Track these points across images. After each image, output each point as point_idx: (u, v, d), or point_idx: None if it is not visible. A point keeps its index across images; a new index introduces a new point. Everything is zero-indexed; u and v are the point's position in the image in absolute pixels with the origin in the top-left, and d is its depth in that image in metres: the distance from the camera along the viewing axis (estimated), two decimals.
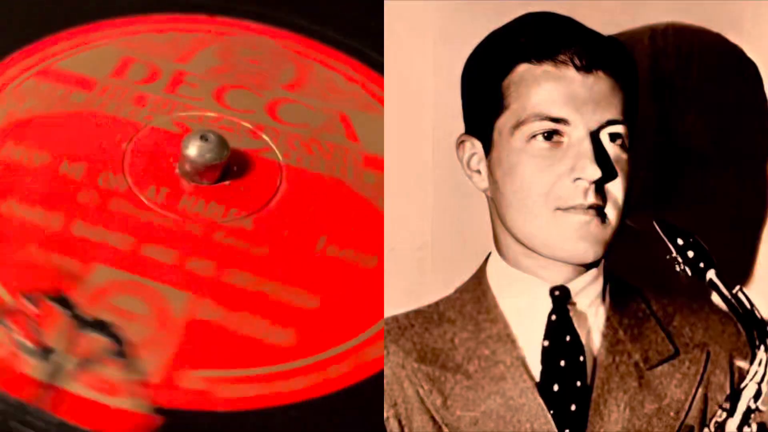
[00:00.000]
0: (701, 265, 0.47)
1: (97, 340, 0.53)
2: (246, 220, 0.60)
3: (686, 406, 0.48)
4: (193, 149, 0.60)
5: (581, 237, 0.47)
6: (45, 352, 0.52)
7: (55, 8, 0.71)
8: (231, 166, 0.62)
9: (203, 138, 0.61)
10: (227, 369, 0.53)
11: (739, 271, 0.57)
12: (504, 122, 0.48)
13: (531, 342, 0.49)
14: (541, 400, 0.48)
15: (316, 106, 0.68)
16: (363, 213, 0.62)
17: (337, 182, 0.63)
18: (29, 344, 0.52)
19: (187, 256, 0.57)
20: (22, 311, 0.53)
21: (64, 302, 0.54)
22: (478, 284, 0.50)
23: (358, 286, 0.58)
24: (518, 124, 0.48)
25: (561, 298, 0.49)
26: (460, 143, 0.51)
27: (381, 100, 0.68)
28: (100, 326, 0.53)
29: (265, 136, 0.65)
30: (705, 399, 0.49)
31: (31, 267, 0.55)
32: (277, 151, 0.64)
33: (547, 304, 0.49)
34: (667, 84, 0.58)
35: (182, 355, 0.53)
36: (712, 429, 0.47)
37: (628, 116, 0.48)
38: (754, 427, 0.47)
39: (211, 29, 0.72)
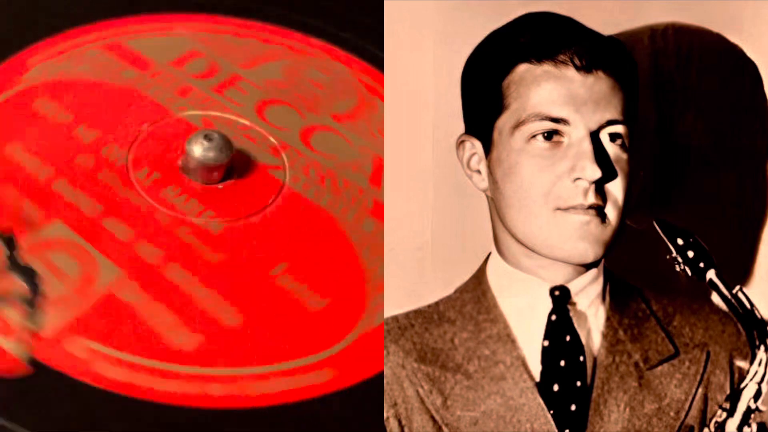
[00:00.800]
0: (701, 265, 0.47)
1: (16, 284, 0.54)
2: (217, 225, 0.59)
3: (686, 406, 0.48)
4: (196, 147, 0.60)
5: (581, 237, 0.47)
6: None
7: None
8: (233, 172, 0.61)
9: (207, 137, 0.60)
10: (113, 348, 0.53)
11: (739, 271, 0.57)
12: (504, 122, 0.48)
13: (531, 342, 0.49)
14: (541, 400, 0.48)
15: (355, 143, 0.66)
16: (341, 257, 0.59)
17: (330, 219, 0.61)
18: None
19: (140, 239, 0.57)
20: None
21: (8, 241, 0.56)
22: (478, 284, 0.50)
23: (290, 322, 0.56)
24: (518, 124, 0.48)
25: (561, 298, 0.49)
26: (460, 143, 0.51)
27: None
28: (28, 273, 0.55)
29: (284, 156, 0.64)
30: (705, 399, 0.49)
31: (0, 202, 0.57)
32: (287, 173, 0.63)
33: (547, 304, 0.49)
34: (667, 84, 0.58)
35: (82, 322, 0.53)
36: (712, 429, 0.47)
37: (628, 116, 0.48)
38: (754, 427, 0.47)
39: (293, 45, 0.71)
